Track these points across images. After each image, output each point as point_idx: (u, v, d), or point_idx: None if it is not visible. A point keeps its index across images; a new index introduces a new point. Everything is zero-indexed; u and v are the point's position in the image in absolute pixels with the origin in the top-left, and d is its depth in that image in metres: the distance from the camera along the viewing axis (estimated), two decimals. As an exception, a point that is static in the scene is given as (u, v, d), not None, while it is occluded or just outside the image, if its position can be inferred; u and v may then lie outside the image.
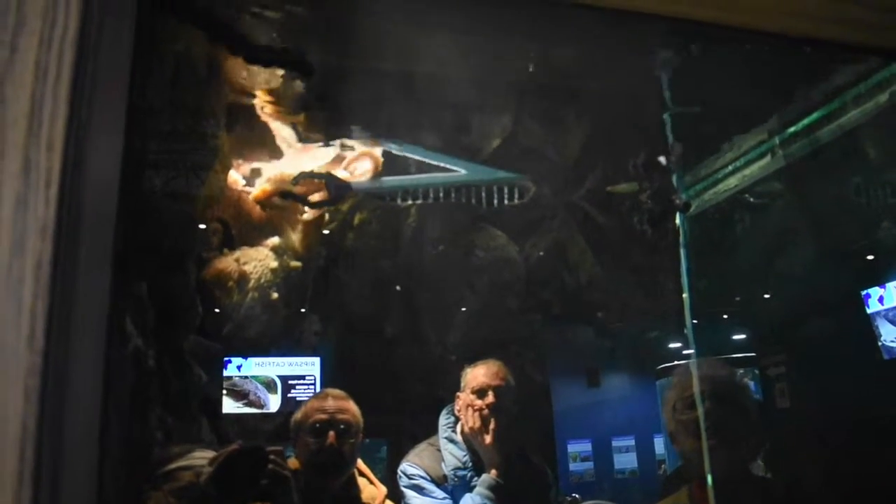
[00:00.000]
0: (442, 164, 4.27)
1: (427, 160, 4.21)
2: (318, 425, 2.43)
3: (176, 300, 2.55)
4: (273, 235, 4.09)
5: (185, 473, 2.14)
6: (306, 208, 4.26)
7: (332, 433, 2.41)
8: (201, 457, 2.23)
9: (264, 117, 3.34)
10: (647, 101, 2.80)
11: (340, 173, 4.21)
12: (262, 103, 3.20)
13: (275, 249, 4.11)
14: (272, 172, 3.88)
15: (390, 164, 4.35)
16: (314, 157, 3.97)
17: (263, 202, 3.98)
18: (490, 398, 2.70)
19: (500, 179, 4.43)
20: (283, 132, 3.61)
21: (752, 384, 6.70)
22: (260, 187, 3.95)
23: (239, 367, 5.17)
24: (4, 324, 0.73)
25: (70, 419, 0.78)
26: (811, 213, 4.45)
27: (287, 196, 4.04)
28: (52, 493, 0.74)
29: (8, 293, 0.75)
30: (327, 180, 4.13)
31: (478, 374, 2.79)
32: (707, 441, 2.10)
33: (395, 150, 4.12)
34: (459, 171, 4.33)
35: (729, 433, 2.13)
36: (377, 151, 4.17)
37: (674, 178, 2.96)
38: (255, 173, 3.88)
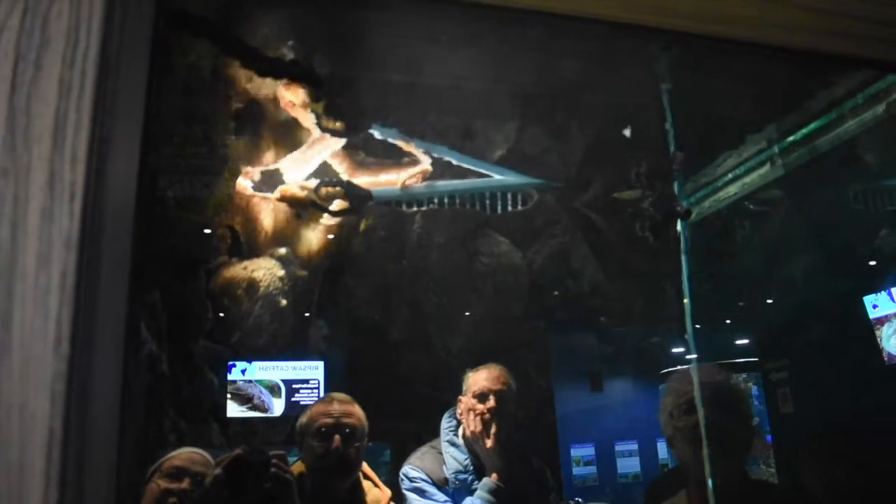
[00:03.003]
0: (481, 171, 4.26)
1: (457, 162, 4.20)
2: (323, 429, 2.45)
3: (188, 306, 2.58)
4: (281, 241, 4.11)
5: (174, 460, 2.19)
6: (323, 216, 4.27)
7: (337, 437, 2.43)
8: (191, 450, 2.28)
9: (284, 106, 3.30)
10: (649, 110, 2.83)
11: (390, 176, 4.20)
12: (281, 93, 3.18)
13: (282, 256, 4.12)
14: (292, 169, 3.87)
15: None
16: (333, 148, 3.92)
17: (286, 199, 3.96)
18: (491, 402, 2.72)
19: (534, 185, 4.45)
20: (303, 120, 3.55)
21: (755, 389, 6.71)
22: (282, 189, 3.94)
23: (243, 371, 5.18)
24: (32, 332, 0.77)
25: (93, 422, 0.82)
26: (811, 220, 4.47)
27: (310, 205, 4.05)
28: (77, 493, 0.77)
29: (35, 303, 0.78)
30: (347, 189, 4.14)
31: (479, 378, 2.81)
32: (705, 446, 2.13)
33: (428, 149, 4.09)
34: (496, 176, 4.33)
35: (724, 437, 2.15)
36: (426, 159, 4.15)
37: (675, 186, 2.99)
38: (270, 175, 3.89)
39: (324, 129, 3.39)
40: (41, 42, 0.89)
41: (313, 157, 3.67)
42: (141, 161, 1.06)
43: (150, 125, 1.08)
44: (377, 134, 3.72)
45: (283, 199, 3.99)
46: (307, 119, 3.29)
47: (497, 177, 4.45)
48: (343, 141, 3.77)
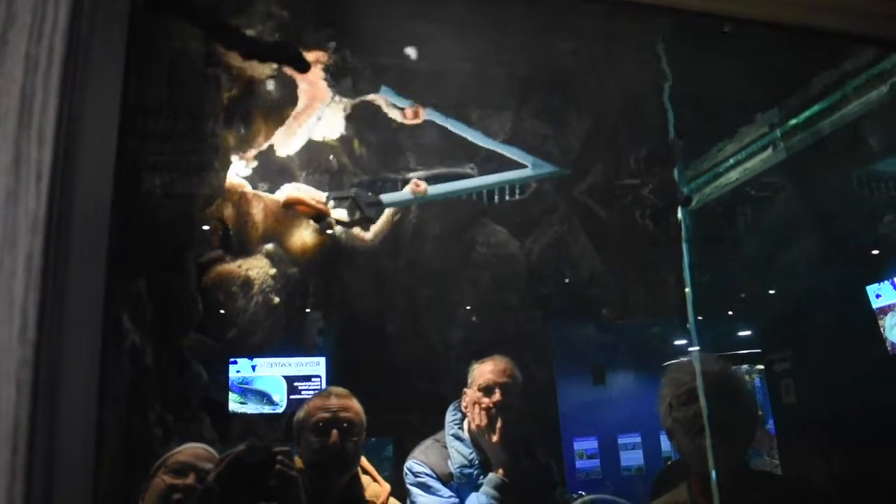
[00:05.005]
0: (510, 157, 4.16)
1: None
2: (321, 424, 2.41)
3: (175, 298, 2.54)
4: (274, 234, 4.08)
5: (178, 455, 2.17)
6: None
7: (335, 432, 2.38)
8: (195, 445, 2.25)
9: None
10: (648, 95, 2.79)
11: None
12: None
13: (276, 250, 4.09)
14: (281, 146, 3.79)
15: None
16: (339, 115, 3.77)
17: (292, 205, 3.91)
18: (497, 396, 2.67)
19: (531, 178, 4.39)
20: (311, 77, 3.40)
21: (757, 381, 6.68)
22: (289, 195, 3.89)
23: (253, 368, 5.16)
24: (-4, 317, 0.73)
25: (64, 412, 0.78)
26: (814, 206, 4.43)
27: (320, 219, 4.02)
28: (45, 488, 0.74)
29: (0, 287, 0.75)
30: (357, 198, 4.11)
31: (485, 371, 2.75)
32: (705, 437, 2.10)
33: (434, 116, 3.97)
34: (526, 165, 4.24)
35: (724, 428, 2.12)
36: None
37: (675, 172, 2.95)
38: (263, 164, 3.83)
39: (331, 85, 3.26)
40: (7, 17, 0.85)
41: (300, 127, 3.58)
42: (119, 143, 1.02)
43: (128, 107, 1.04)
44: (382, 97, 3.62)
45: (288, 205, 3.95)
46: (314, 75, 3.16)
47: (491, 178, 4.40)
48: (330, 110, 3.67)
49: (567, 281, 5.17)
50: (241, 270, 3.96)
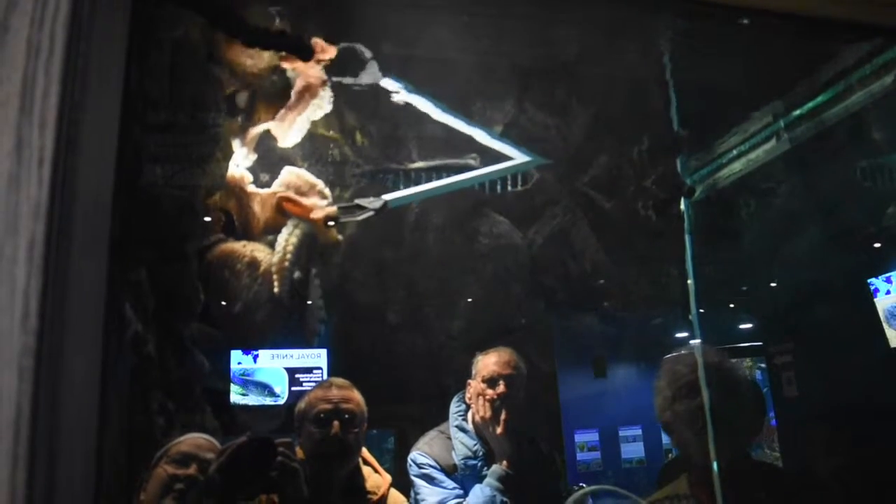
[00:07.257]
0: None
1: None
2: (322, 415, 2.41)
3: (177, 287, 2.54)
4: (276, 223, 4.05)
5: (180, 445, 2.16)
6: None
7: (336, 423, 2.38)
8: (197, 436, 2.25)
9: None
10: (652, 84, 2.77)
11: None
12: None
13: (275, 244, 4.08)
14: (279, 133, 3.76)
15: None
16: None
17: (288, 202, 3.90)
18: (501, 388, 2.66)
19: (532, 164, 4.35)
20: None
21: (758, 373, 6.68)
22: (280, 190, 3.87)
23: (255, 358, 5.16)
24: (-2, 304, 0.73)
25: (66, 400, 0.78)
26: (817, 198, 4.41)
27: (325, 220, 4.02)
28: (48, 475, 0.73)
29: (1, 274, 0.74)
30: (361, 203, 4.11)
31: (489, 363, 2.74)
32: (704, 429, 2.10)
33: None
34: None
35: (726, 420, 2.12)
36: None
37: (678, 164, 2.93)
38: (264, 155, 3.81)
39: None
40: (9, 3, 0.84)
41: (298, 115, 3.54)
42: (121, 130, 1.01)
43: (130, 93, 1.04)
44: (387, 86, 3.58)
45: (281, 207, 3.93)
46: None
47: (492, 168, 4.36)
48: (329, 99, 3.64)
49: (569, 272, 5.15)
50: (245, 250, 3.94)
